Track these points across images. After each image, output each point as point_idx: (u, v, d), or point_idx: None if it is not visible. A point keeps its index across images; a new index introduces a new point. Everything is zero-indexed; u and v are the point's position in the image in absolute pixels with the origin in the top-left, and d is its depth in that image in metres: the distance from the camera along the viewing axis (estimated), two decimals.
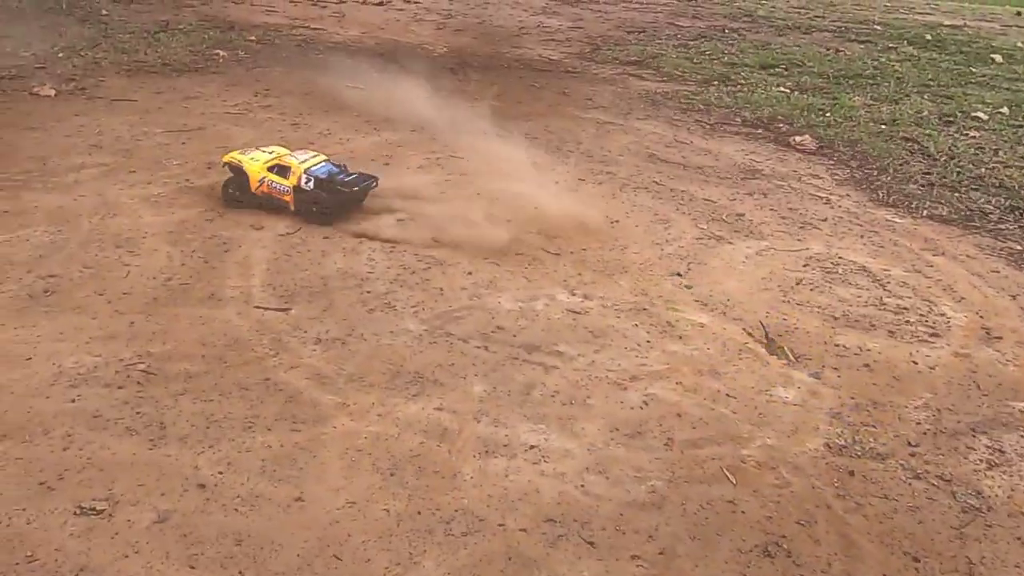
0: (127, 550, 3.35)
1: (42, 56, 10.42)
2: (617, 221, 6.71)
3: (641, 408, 4.38)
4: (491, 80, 10.62)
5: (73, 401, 4.19)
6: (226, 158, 6.52)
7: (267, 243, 5.99)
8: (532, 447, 4.04)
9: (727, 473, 3.99)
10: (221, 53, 11.10)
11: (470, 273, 5.70)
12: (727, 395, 4.57)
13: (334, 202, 6.26)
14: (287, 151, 6.59)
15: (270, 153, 6.52)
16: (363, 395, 4.38)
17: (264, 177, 6.35)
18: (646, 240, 6.40)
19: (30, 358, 4.51)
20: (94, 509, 3.52)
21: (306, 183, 6.24)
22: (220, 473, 3.78)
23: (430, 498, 3.70)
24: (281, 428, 4.10)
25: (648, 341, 5.00)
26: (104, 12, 12.74)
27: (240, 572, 3.28)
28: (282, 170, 6.38)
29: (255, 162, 6.41)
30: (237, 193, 6.41)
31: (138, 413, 4.13)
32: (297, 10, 13.96)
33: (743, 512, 3.78)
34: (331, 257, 5.83)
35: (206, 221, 6.27)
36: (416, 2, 15.19)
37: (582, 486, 3.82)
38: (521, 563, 3.40)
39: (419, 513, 3.62)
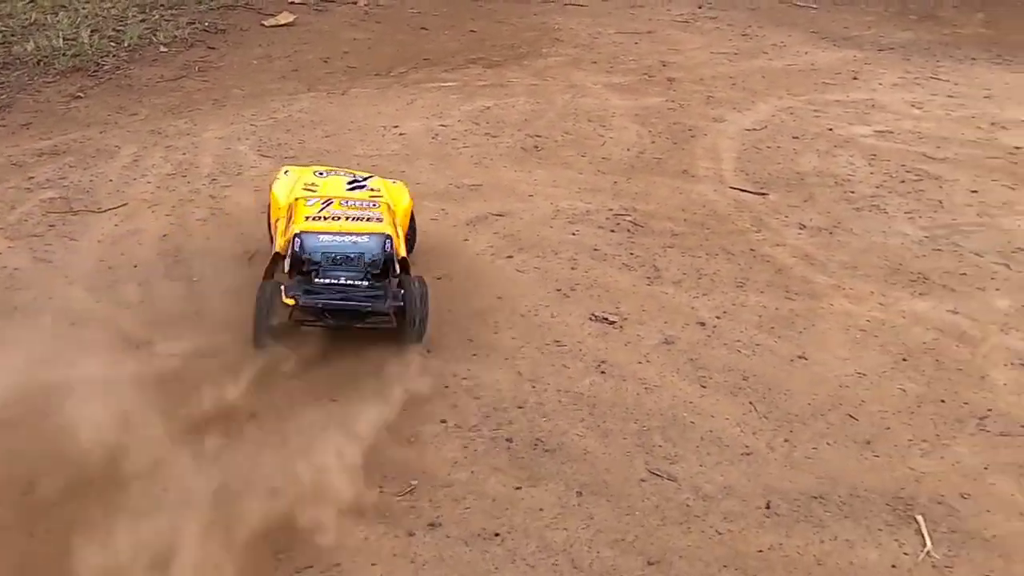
0: (640, 357, 3.82)
1: None
2: None
3: None
4: (974, 7, 9.54)
5: (573, 234, 4.87)
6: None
7: (732, 134, 6.24)
8: None
9: None
10: None
11: (975, 191, 5.26)
12: None
13: None
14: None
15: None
16: (860, 283, 4.36)
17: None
18: None
19: (532, 195, 5.34)
20: (606, 319, 4.08)
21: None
22: (718, 318, 4.09)
23: (954, 391, 3.56)
24: (773, 293, 4.28)
25: None
26: None
27: (750, 403, 3.54)
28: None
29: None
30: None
31: (632, 254, 4.66)
32: None
33: None
34: (805, 156, 5.84)
35: (668, 110, 6.73)
36: None
37: None
38: None
39: (943, 401, 3.51)
